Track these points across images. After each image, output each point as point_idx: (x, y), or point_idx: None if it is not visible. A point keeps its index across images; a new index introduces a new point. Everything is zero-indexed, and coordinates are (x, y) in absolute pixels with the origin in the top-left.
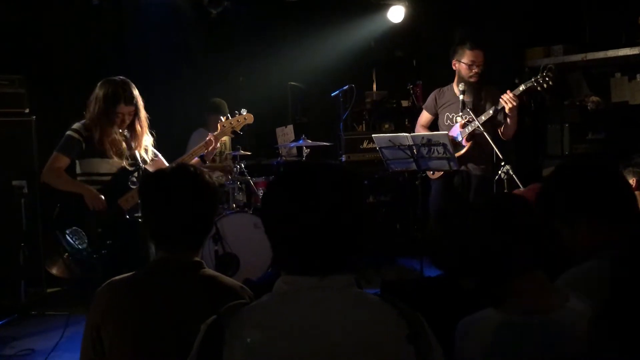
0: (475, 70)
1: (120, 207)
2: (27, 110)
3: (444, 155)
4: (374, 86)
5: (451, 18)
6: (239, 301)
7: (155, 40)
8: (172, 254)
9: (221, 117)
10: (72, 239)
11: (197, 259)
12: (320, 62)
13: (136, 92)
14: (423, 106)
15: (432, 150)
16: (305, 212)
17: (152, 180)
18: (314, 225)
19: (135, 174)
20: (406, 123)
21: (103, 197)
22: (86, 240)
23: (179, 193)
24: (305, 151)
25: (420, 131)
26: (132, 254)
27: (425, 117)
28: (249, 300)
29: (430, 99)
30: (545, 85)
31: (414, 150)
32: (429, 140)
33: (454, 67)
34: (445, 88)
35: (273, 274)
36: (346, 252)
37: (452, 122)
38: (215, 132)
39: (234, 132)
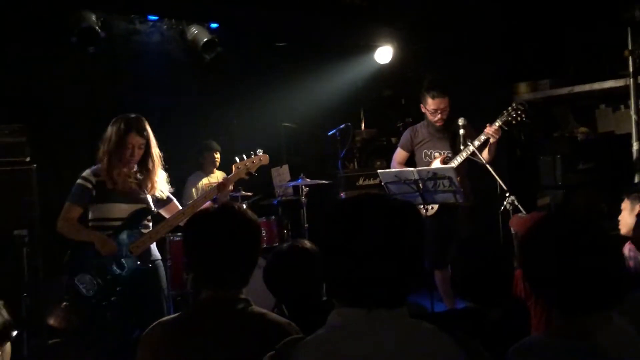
0: (439, 116)
1: (131, 253)
2: (28, 159)
3: (450, 188)
4: (362, 125)
5: (438, 56)
6: (296, 336)
7: (151, 86)
8: (220, 292)
9: (236, 159)
10: (81, 286)
11: (244, 296)
12: (311, 103)
13: (148, 128)
14: (399, 144)
15: (438, 183)
16: (362, 243)
17: (197, 221)
18: (369, 255)
19: (148, 218)
20: None
21: (114, 242)
22: (95, 288)
23: (225, 232)
24: (305, 190)
25: (397, 168)
26: (143, 301)
27: (401, 154)
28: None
29: (405, 137)
30: (518, 119)
31: (420, 185)
32: (435, 174)
33: (422, 111)
34: (418, 126)
35: None
36: (401, 284)
37: (431, 157)
38: (230, 175)
39: (248, 173)
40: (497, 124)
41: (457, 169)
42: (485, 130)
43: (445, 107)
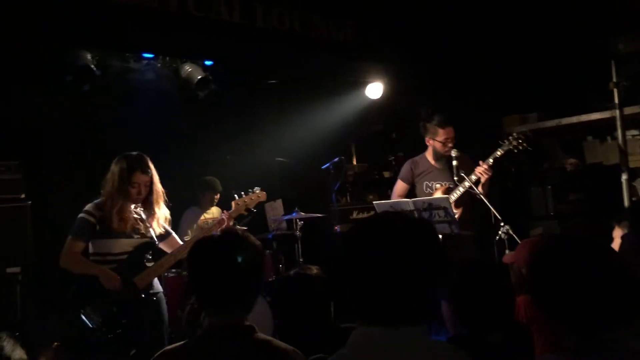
0: (450, 145)
1: (135, 285)
2: (22, 196)
3: (445, 218)
4: (354, 159)
5: (428, 91)
6: (318, 355)
7: (145, 123)
8: (225, 319)
9: (235, 195)
10: (86, 319)
11: (249, 323)
12: (303, 138)
13: (152, 165)
14: (399, 177)
15: (434, 214)
16: (389, 258)
17: (201, 246)
18: (396, 271)
19: (150, 252)
20: (389, 193)
21: (118, 276)
22: (100, 320)
23: (230, 258)
24: (299, 224)
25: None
26: (148, 333)
27: (401, 186)
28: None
29: (405, 169)
30: (520, 147)
31: (416, 215)
32: (430, 204)
33: (427, 144)
34: (417, 158)
35: None
36: (427, 300)
37: (432, 189)
38: (230, 211)
39: (247, 209)
40: (498, 153)
41: (458, 200)
42: (476, 169)
43: (454, 136)
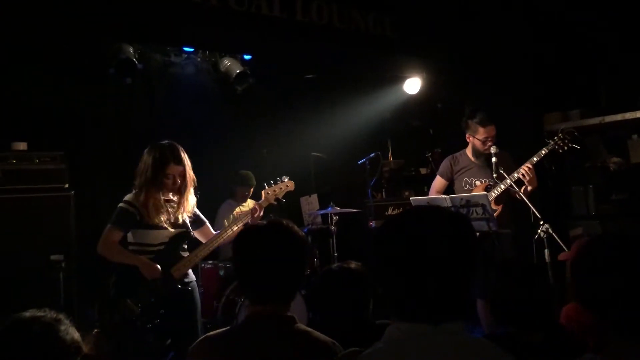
0: (489, 143)
1: (172, 276)
2: (66, 186)
3: (483, 215)
4: (390, 155)
5: (467, 87)
6: (354, 349)
7: (184, 115)
8: (266, 308)
9: (265, 185)
10: (124, 309)
11: (290, 313)
12: (340, 133)
13: (184, 154)
14: (437, 173)
15: (471, 211)
16: (426, 254)
17: (247, 235)
18: (430, 269)
19: (186, 242)
20: (425, 190)
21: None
22: (140, 311)
23: (275, 247)
24: (334, 218)
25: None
26: (183, 322)
27: (440, 183)
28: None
29: (444, 165)
30: (565, 148)
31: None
32: (468, 201)
33: (468, 140)
34: (458, 154)
35: None
36: (459, 298)
37: (472, 186)
38: (260, 201)
39: (277, 199)
40: (543, 152)
41: (497, 197)
42: (520, 168)
43: (495, 135)
